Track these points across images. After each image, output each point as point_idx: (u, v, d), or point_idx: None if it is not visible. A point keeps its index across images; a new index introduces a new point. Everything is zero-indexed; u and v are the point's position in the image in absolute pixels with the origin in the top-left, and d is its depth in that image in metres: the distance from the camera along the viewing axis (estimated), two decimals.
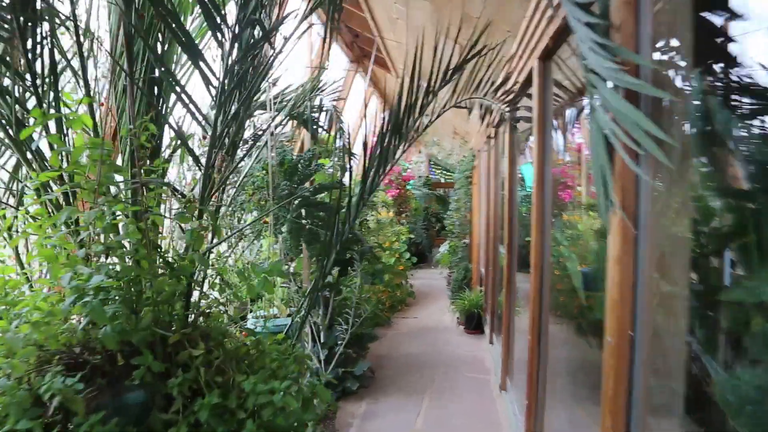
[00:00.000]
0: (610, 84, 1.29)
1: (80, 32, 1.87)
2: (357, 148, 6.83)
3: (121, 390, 1.51)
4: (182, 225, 1.78)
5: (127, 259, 1.63)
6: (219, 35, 1.90)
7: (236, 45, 1.93)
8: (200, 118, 1.99)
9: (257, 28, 2.02)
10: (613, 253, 1.40)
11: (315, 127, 3.88)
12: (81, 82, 1.91)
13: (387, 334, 6.10)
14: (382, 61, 6.49)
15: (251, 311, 2.87)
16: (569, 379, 2.84)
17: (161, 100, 2.21)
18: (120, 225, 1.66)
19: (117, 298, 1.52)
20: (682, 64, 1.41)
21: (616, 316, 1.39)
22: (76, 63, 1.97)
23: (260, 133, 3.15)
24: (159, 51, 2.13)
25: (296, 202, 3.12)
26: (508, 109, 3.04)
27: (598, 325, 1.54)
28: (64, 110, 1.91)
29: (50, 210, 1.86)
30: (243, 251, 2.85)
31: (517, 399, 3.41)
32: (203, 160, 2.02)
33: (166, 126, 2.26)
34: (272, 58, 2.35)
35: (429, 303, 7.84)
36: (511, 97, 3.08)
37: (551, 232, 2.81)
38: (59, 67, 1.98)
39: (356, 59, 6.72)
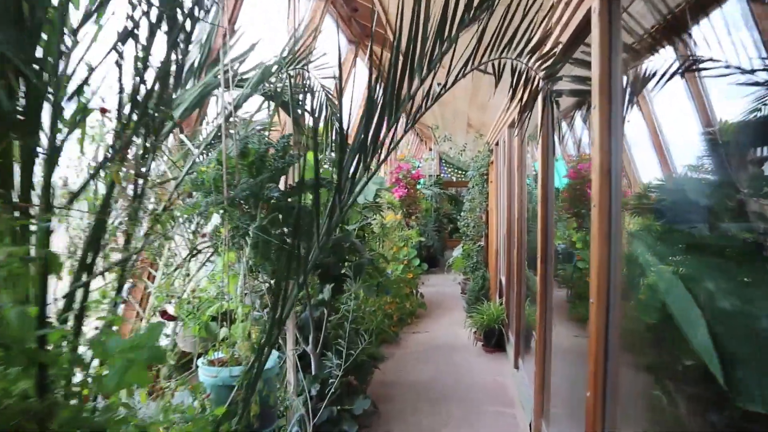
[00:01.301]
0: None
1: None
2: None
3: None
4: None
5: None
6: None
7: None
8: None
9: None
10: None
11: (299, 111, 3.14)
12: None
13: (394, 354, 5.33)
14: (384, 39, 5.74)
15: (204, 354, 2.13)
16: None
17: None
18: None
19: None
20: None
21: None
22: None
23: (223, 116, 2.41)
24: None
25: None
26: (544, 75, 2.26)
27: None
28: None
29: None
30: (186, 279, 2.10)
31: None
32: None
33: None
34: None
35: (442, 314, 7.06)
36: (550, 62, 2.29)
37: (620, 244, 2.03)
38: None
39: (356, 38, 5.94)
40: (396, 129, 1.72)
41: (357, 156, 1.40)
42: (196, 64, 2.65)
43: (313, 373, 3.56)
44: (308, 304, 3.40)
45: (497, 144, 6.41)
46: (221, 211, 2.14)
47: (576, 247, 4.08)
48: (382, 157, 1.62)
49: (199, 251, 2.19)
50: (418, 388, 4.34)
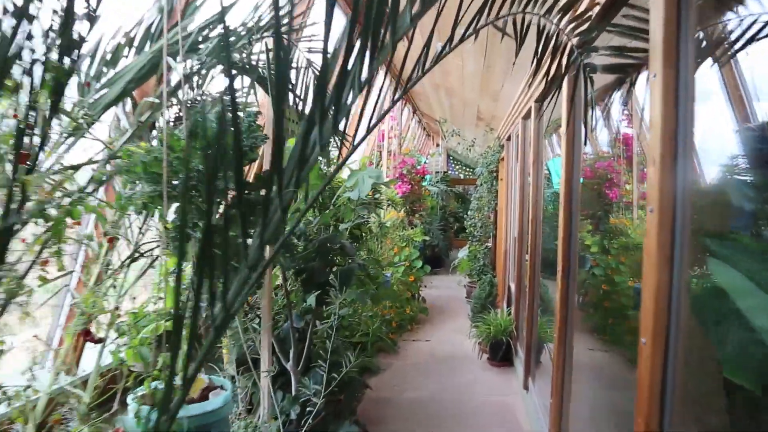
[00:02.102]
0: None
1: None
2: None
3: None
4: None
5: None
6: None
7: None
8: None
9: None
10: None
11: (281, 89, 2.66)
12: None
13: (392, 365, 4.87)
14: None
15: (135, 387, 1.67)
16: None
17: None
18: None
19: None
20: None
21: None
22: None
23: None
24: None
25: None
26: (578, 43, 1.77)
27: None
28: None
29: None
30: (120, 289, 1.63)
31: None
32: None
33: None
34: None
35: (445, 320, 6.59)
36: (585, 26, 1.80)
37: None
38: None
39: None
40: (381, 97, 1.25)
41: (310, 124, 0.92)
42: (153, 28, 2.20)
43: (293, 393, 3.10)
44: (289, 314, 2.95)
45: (509, 139, 5.91)
46: (160, 206, 1.67)
47: (591, 251, 3.62)
48: (361, 131, 1.15)
49: (135, 257, 1.73)
50: (415, 408, 3.87)
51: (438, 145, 12.18)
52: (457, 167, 16.81)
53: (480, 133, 8.23)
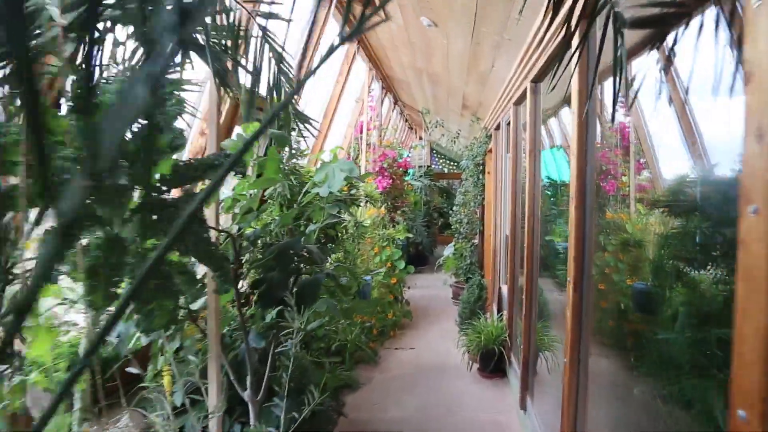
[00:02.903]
0: None
1: None
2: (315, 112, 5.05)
3: None
4: None
5: None
6: None
7: None
8: None
9: None
10: None
11: (224, 60, 2.14)
12: None
13: (372, 380, 4.39)
14: None
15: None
16: None
17: None
18: None
19: None
20: None
21: None
22: None
23: None
24: None
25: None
26: None
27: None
28: None
29: None
30: None
31: None
32: None
33: None
34: None
35: (430, 324, 6.13)
36: None
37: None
38: None
39: None
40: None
41: None
42: None
43: (251, 426, 2.60)
44: (244, 334, 2.44)
45: (498, 128, 5.45)
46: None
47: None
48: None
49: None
50: (398, 430, 3.40)
51: (421, 138, 11.70)
52: (441, 161, 16.39)
53: (465, 124, 7.76)
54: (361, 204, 4.18)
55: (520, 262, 4.13)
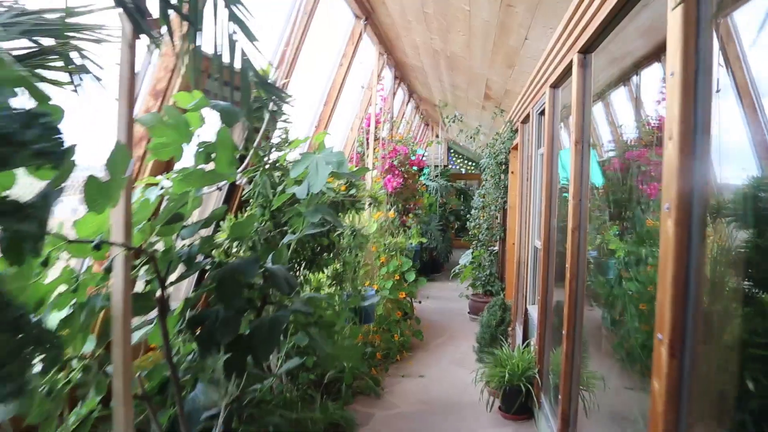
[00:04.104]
0: None
1: None
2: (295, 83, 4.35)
3: None
4: None
5: None
6: None
7: None
8: None
9: None
10: None
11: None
12: None
13: (372, 418, 3.66)
14: None
15: None
16: None
17: None
18: None
19: None
20: None
21: None
22: None
23: None
24: None
25: None
26: None
27: None
28: None
29: None
30: None
31: None
32: None
33: None
34: None
35: (443, 345, 5.37)
36: None
37: None
38: None
39: None
40: None
41: None
42: None
43: None
44: (177, 396, 1.72)
45: (525, 120, 4.68)
46: None
47: (617, 257, 2.64)
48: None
49: None
50: None
51: (437, 136, 10.94)
52: (459, 161, 15.59)
53: (487, 118, 6.98)
54: (364, 207, 3.46)
55: (554, 282, 3.36)
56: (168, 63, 2.34)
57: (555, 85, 3.22)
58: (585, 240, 2.47)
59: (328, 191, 3.26)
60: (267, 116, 2.83)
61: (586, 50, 2.43)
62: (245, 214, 3.10)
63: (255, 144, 2.76)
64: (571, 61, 2.56)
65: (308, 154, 2.22)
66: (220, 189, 2.45)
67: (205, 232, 2.30)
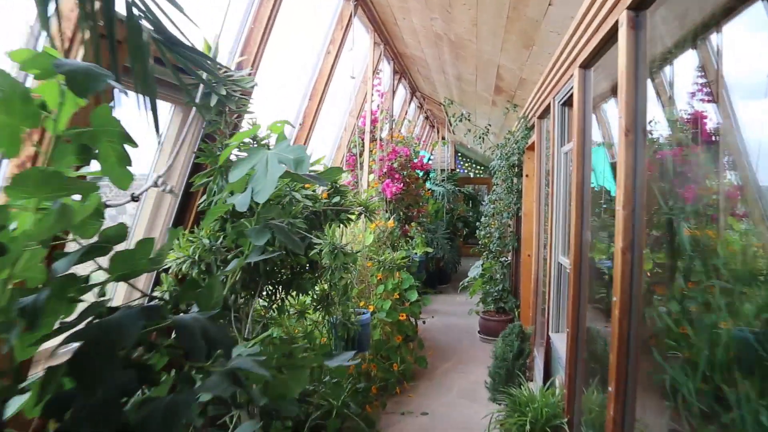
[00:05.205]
0: None
1: None
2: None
3: None
4: None
5: None
6: None
7: None
8: None
9: None
10: None
11: None
12: None
13: None
14: None
15: None
16: None
17: None
18: None
19: None
20: None
21: None
22: None
23: None
24: None
25: None
26: None
27: None
28: None
29: None
30: None
31: None
32: None
33: None
34: None
35: (451, 371, 4.70)
36: None
37: None
38: None
39: None
40: None
41: None
42: None
43: None
44: None
45: (544, 114, 4.03)
46: None
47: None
48: None
49: None
50: None
51: (443, 138, 10.29)
52: (466, 165, 14.90)
53: (497, 116, 6.33)
54: (351, 218, 2.83)
55: (586, 307, 2.70)
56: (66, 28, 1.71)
57: (586, 65, 2.57)
58: (641, 264, 1.81)
59: (305, 200, 2.65)
60: (215, 102, 2.21)
61: (638, 5, 1.79)
62: (200, 230, 2.47)
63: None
64: (616, 23, 1.92)
65: (256, 150, 1.59)
66: (135, 199, 1.83)
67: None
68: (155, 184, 1.83)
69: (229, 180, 1.57)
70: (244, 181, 1.57)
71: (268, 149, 1.57)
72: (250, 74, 2.57)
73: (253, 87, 2.51)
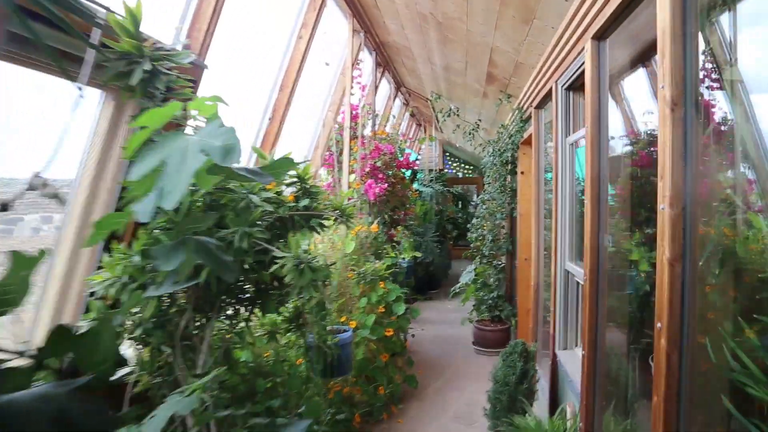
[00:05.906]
0: None
1: None
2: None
3: None
4: None
5: None
6: None
7: None
8: None
9: None
10: None
11: None
12: None
13: None
14: None
15: None
16: None
17: None
18: None
19: None
20: None
21: None
22: None
23: None
24: None
25: None
26: None
27: None
28: None
29: None
30: None
31: None
32: None
33: None
34: None
35: (444, 389, 4.25)
36: None
37: None
38: None
39: None
40: None
41: None
42: None
43: None
44: None
45: (544, 102, 3.61)
46: None
47: (641, 270, 1.99)
48: None
49: None
50: None
51: (432, 137, 9.86)
52: (455, 164, 14.48)
53: (488, 110, 5.90)
54: (324, 225, 2.34)
55: (605, 325, 2.26)
56: None
57: (601, 35, 2.13)
58: (694, 282, 1.37)
59: (264, 204, 2.19)
60: (137, 81, 1.72)
61: None
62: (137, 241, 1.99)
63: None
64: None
65: (170, 135, 1.13)
66: (5, 207, 1.34)
67: None
68: (31, 187, 1.35)
69: (130, 176, 1.11)
70: (152, 179, 1.10)
71: (183, 135, 1.12)
72: (186, 47, 2.10)
73: (196, 65, 2.04)
